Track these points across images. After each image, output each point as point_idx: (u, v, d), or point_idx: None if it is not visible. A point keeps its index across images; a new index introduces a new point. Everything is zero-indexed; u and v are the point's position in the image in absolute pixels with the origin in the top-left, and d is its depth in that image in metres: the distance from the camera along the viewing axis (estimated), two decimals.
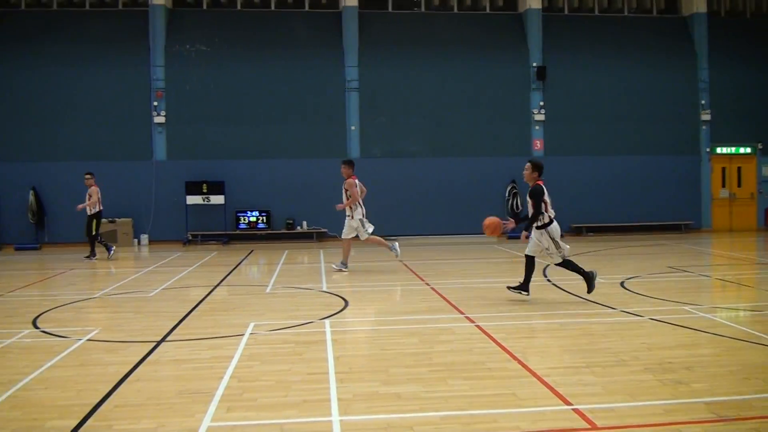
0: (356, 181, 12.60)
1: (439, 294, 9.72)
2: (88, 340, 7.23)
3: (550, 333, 7.37)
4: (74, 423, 4.66)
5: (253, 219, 19.35)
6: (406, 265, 13.33)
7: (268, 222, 19.34)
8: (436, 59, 20.31)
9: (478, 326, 7.51)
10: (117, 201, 18.65)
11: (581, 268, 8.97)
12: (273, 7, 20.58)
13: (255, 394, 5.22)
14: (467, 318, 8.01)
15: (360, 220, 12.54)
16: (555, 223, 8.93)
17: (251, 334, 7.37)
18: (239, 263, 14.43)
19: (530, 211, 8.87)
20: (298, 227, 19.42)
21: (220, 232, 19.17)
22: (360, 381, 5.53)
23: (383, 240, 12.98)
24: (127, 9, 20.10)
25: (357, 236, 12.60)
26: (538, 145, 20.54)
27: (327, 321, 7.97)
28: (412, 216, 19.76)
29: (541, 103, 20.49)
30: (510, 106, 20.57)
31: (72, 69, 19.27)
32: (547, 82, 20.51)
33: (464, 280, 11.09)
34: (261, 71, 19.69)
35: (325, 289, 10.41)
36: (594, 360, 6.06)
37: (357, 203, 12.52)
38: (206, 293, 10.34)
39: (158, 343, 7.01)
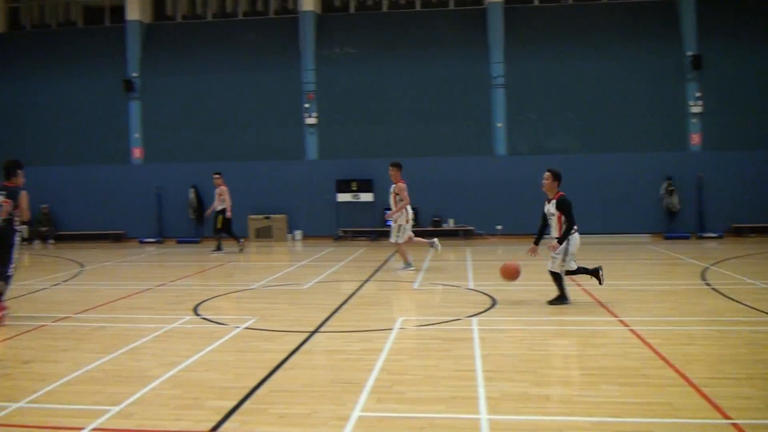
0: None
1: (590, 295, 9.42)
2: (246, 328, 7.67)
3: (709, 341, 6.91)
4: (232, 404, 4.98)
5: None
6: None
7: (415, 219, 19.50)
8: (584, 52, 19.62)
9: (632, 330, 7.21)
10: (272, 198, 19.72)
11: (564, 289, 8.68)
12: (418, 8, 20.81)
13: (404, 388, 5.32)
14: (621, 321, 7.70)
15: (400, 225, 12.32)
16: (578, 235, 8.59)
17: (400, 328, 7.51)
18: (387, 259, 14.71)
19: (555, 225, 8.57)
20: (445, 225, 19.49)
21: (369, 228, 19.62)
22: (508, 380, 5.48)
23: (422, 239, 13.00)
24: (279, 17, 21.11)
25: (409, 237, 12.48)
26: (695, 139, 19.30)
27: (474, 319, 7.96)
28: None
29: (698, 94, 19.19)
30: (663, 98, 19.45)
31: (229, 76, 20.48)
32: (703, 72, 19.19)
33: (616, 282, 10.68)
34: (407, 71, 19.95)
35: (472, 286, 10.40)
36: (756, 372, 5.64)
37: (405, 209, 12.30)
38: (356, 288, 10.63)
39: (311, 334, 7.31)
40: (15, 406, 5.11)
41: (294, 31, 20.34)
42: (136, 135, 20.86)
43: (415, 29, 20.39)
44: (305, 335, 7.23)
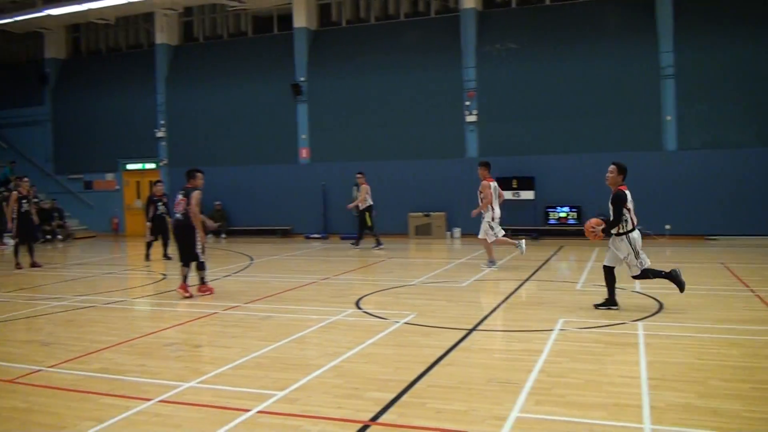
0: (493, 183, 12.63)
1: (766, 303, 8.64)
2: (405, 323, 7.75)
3: None
4: (391, 396, 5.03)
5: (563, 214, 19.04)
6: (728, 269, 12.06)
7: (578, 218, 18.88)
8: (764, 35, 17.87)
9: None
10: (432, 196, 19.82)
11: (661, 271, 8.30)
12: None
13: (564, 391, 5.13)
14: None
15: (488, 222, 12.49)
16: (637, 231, 8.35)
17: (560, 330, 7.27)
18: (548, 259, 14.33)
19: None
20: None
21: (530, 227, 19.20)
22: (674, 390, 5.13)
23: (509, 240, 12.99)
24: (440, 16, 21.13)
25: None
26: None
27: (640, 323, 7.54)
28: (735, 213, 17.62)
29: None
30: None
31: (390, 76, 20.78)
32: None
33: None
34: (569, 65, 19.23)
35: (638, 289, 9.88)
36: None
37: (490, 206, 12.48)
38: (516, 287, 10.43)
39: (470, 331, 7.25)
40: (187, 385, 5.49)
41: (455, 29, 20.31)
42: (303, 136, 21.78)
43: (578, 21, 19.61)
44: (463, 333, 7.19)
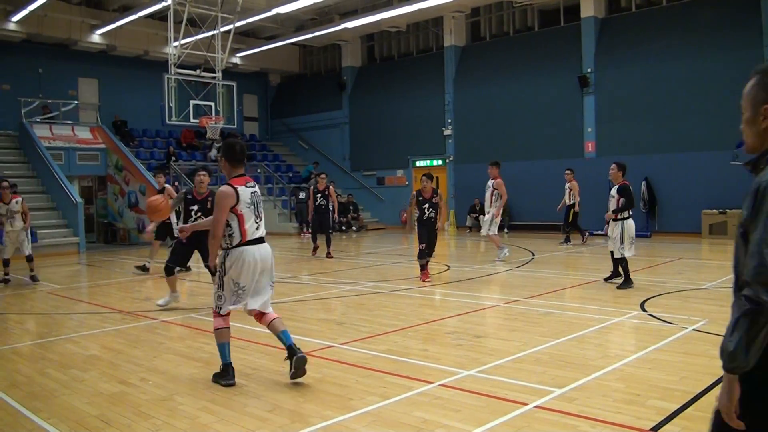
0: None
1: None
2: (694, 329, 7.16)
3: None
4: (674, 407, 4.69)
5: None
6: None
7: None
8: None
9: None
10: (729, 192, 17.89)
11: (627, 271, 10.14)
12: None
13: None
14: None
15: (493, 215, 13.85)
16: (632, 221, 10.27)
17: None
18: None
19: (612, 206, 10.32)
20: None
21: None
22: None
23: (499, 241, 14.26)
24: None
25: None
26: None
27: None
28: None
29: None
30: None
31: (680, 62, 19.19)
32: None
33: None
34: None
35: None
36: None
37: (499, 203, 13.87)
38: None
39: None
40: (466, 373, 5.65)
41: (755, 2, 18.08)
42: (590, 129, 21.14)
43: None
44: None
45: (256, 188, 5.77)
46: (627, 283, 10.09)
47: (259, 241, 5.62)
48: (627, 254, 10.11)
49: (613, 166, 10.56)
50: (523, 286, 10.61)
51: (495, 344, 6.67)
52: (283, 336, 5.59)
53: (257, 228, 5.62)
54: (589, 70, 21.04)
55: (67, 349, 7.20)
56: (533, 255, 15.19)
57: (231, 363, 5.59)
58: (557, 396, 4.96)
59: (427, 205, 11.60)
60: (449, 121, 24.60)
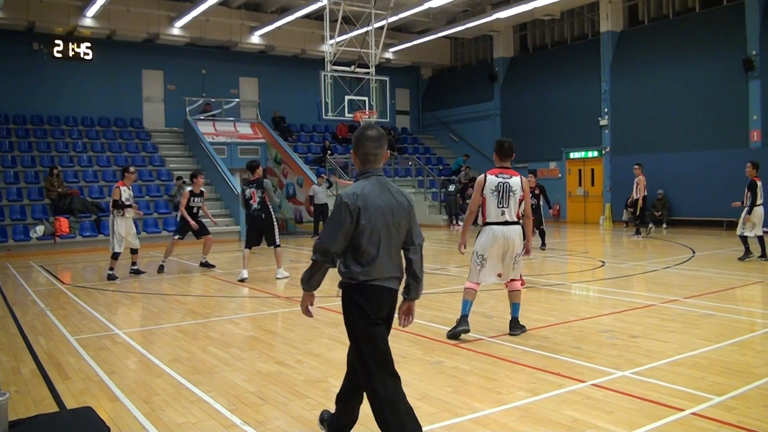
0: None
1: None
2: None
3: None
4: None
5: None
6: None
7: None
8: None
9: None
10: None
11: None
12: None
13: None
14: None
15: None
16: (761, 209, 12.45)
17: None
18: None
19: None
20: None
21: None
22: None
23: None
24: None
25: None
26: None
27: None
28: None
29: None
30: None
31: None
32: None
33: None
34: None
35: None
36: None
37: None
38: None
39: None
40: (620, 373, 5.57)
41: None
42: (755, 117, 19.66)
43: None
44: None
45: (510, 179, 6.82)
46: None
47: (503, 223, 6.77)
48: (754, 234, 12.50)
49: (749, 164, 11.86)
50: (682, 285, 10.17)
51: (651, 345, 6.49)
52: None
53: (502, 213, 6.77)
54: (754, 52, 19.54)
55: (228, 329, 7.82)
56: (693, 252, 14.45)
57: (467, 315, 6.87)
58: (716, 404, 4.77)
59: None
60: (606, 110, 23.74)
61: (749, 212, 12.56)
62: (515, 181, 6.83)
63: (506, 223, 6.75)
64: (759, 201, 12.59)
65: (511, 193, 6.75)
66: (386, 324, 3.88)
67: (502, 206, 6.73)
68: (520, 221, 6.92)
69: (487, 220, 6.81)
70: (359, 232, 3.68)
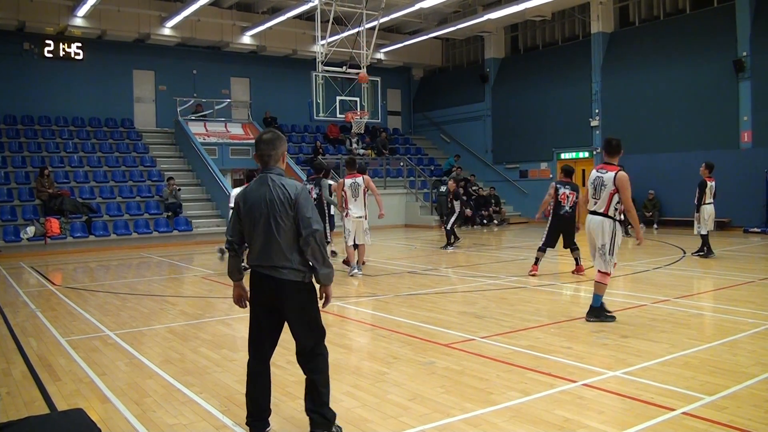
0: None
1: None
2: None
3: None
4: None
5: None
6: None
7: None
8: None
9: None
10: None
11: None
12: None
13: None
14: None
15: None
16: (711, 207, 13.03)
17: None
18: None
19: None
20: None
21: None
22: None
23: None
24: None
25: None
26: None
27: None
28: None
29: None
30: None
31: None
32: None
33: None
34: None
35: None
36: None
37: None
38: None
39: None
40: (611, 373, 5.59)
41: None
42: (745, 118, 19.77)
43: None
44: None
45: (605, 174, 7.47)
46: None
47: (591, 212, 7.65)
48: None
49: (703, 165, 12.34)
50: (673, 286, 10.21)
51: (642, 345, 6.51)
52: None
53: (594, 203, 7.60)
54: (744, 53, 19.67)
55: (219, 330, 7.81)
56: (684, 253, 14.52)
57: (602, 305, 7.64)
58: (706, 403, 4.80)
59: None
60: (596, 111, 23.83)
61: (697, 210, 13.35)
62: (608, 176, 7.46)
63: (593, 213, 7.63)
64: (708, 200, 13.29)
65: (602, 187, 7.48)
66: (270, 309, 4.27)
67: (595, 198, 7.60)
68: (609, 214, 7.51)
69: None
70: (244, 223, 4.21)
